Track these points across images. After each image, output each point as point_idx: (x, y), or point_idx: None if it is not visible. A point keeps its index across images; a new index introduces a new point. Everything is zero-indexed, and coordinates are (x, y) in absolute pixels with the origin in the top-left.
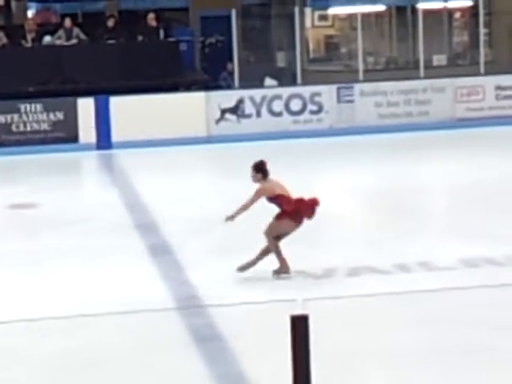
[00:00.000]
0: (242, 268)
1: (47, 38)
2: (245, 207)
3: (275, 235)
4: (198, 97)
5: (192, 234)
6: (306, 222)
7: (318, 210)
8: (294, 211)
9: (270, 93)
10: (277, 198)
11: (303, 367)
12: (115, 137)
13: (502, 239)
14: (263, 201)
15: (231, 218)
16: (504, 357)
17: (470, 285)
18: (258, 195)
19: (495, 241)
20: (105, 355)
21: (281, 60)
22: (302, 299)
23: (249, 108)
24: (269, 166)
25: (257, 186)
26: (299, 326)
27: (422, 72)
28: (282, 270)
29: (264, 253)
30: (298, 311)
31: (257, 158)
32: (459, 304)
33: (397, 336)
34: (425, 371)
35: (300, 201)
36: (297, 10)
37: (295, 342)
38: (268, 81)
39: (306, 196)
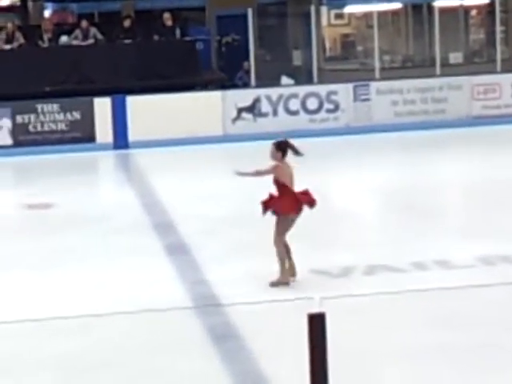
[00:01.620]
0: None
1: (64, 38)
2: (257, 174)
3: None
4: (214, 96)
5: (209, 233)
6: (322, 222)
7: (335, 208)
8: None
9: (286, 91)
10: (281, 186)
11: (320, 365)
12: (132, 136)
13: None
14: None
15: (240, 173)
16: None
17: (488, 283)
18: (273, 171)
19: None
20: (121, 355)
21: (297, 59)
22: (319, 297)
23: (265, 107)
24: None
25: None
26: (316, 325)
27: (438, 70)
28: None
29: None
30: (315, 309)
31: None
32: (477, 302)
33: (414, 334)
34: (442, 370)
35: (297, 197)
36: (313, 8)
37: (312, 341)
38: (284, 79)
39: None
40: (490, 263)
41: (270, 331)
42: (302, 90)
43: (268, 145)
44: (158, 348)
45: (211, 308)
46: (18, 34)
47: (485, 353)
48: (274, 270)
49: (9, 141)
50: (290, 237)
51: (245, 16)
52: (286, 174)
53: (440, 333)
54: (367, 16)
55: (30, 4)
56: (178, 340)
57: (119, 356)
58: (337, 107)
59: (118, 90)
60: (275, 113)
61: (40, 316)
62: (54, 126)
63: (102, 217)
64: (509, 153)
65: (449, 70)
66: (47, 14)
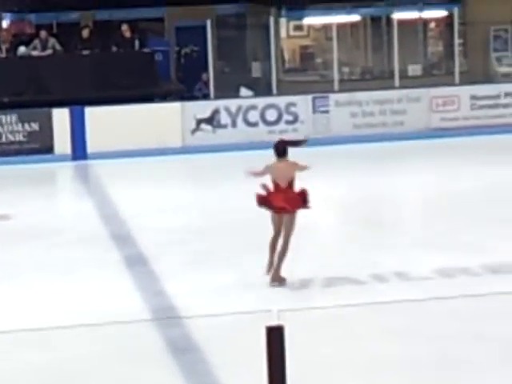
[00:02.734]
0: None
1: (22, 49)
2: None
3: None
4: (173, 107)
5: (168, 245)
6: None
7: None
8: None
9: (245, 103)
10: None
11: (279, 378)
12: (90, 147)
13: (477, 249)
14: (241, 213)
15: None
16: (480, 368)
17: (446, 295)
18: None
19: (470, 251)
20: (80, 367)
21: (256, 70)
22: (278, 310)
23: (224, 118)
24: (246, 177)
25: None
26: (275, 337)
27: (397, 82)
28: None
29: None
30: (274, 322)
31: (232, 169)
32: (435, 314)
33: (373, 346)
34: (401, 382)
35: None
36: (272, 20)
37: (271, 353)
38: (243, 91)
39: None
40: (449, 275)
41: (229, 343)
42: (261, 101)
43: (227, 156)
44: (118, 360)
45: (170, 320)
46: None
47: (444, 365)
48: (232, 281)
49: None
50: (250, 248)
51: (204, 27)
52: None
53: (400, 345)
54: (326, 28)
55: None
56: (137, 352)
57: (77, 369)
58: (296, 119)
59: (77, 101)
60: (234, 124)
61: None
62: (12, 137)
63: (61, 228)
64: (467, 165)
65: (407, 82)
66: (5, 24)
